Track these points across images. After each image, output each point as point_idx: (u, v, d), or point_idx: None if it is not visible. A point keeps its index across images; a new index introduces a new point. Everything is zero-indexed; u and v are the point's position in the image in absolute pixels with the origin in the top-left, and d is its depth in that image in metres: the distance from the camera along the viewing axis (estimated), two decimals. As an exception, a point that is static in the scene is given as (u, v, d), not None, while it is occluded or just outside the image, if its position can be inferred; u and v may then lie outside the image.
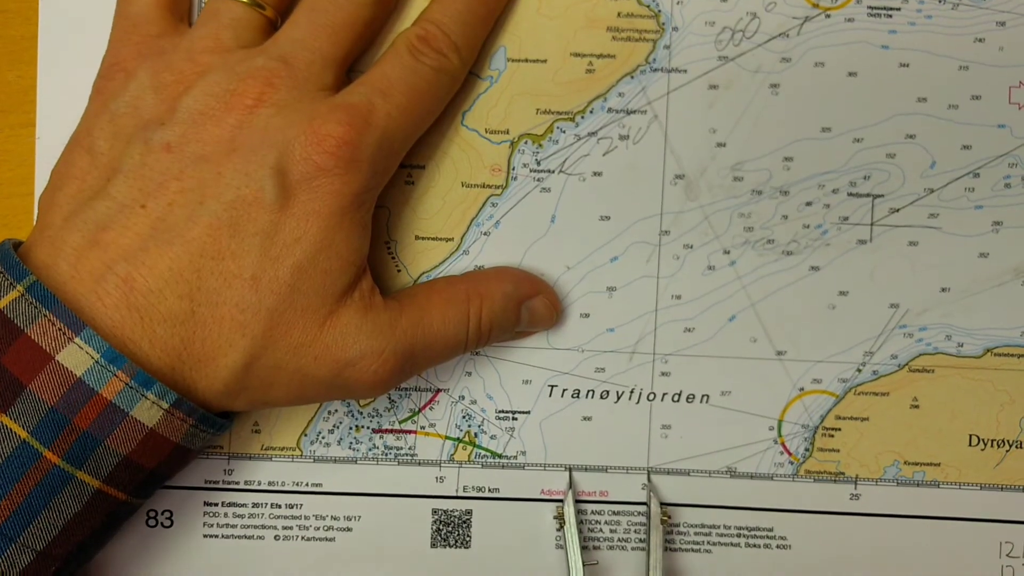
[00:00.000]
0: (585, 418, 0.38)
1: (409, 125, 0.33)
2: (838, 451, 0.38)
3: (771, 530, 0.38)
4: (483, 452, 0.38)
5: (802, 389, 0.38)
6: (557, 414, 0.38)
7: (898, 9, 0.36)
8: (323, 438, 0.38)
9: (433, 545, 0.38)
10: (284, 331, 0.31)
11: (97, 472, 0.29)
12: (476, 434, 0.38)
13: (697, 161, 0.37)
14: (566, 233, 0.37)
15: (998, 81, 0.36)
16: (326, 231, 0.31)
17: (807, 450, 0.38)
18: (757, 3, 0.36)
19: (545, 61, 0.36)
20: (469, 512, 0.38)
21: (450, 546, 0.38)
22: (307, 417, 0.38)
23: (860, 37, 0.36)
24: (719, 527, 0.38)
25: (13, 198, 0.37)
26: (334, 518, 0.38)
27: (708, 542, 0.38)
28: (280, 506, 0.38)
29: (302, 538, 0.38)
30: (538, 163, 0.37)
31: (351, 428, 0.38)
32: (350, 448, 0.38)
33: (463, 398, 0.38)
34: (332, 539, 0.38)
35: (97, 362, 0.28)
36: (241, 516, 0.38)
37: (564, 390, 0.38)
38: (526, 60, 0.36)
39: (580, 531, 0.38)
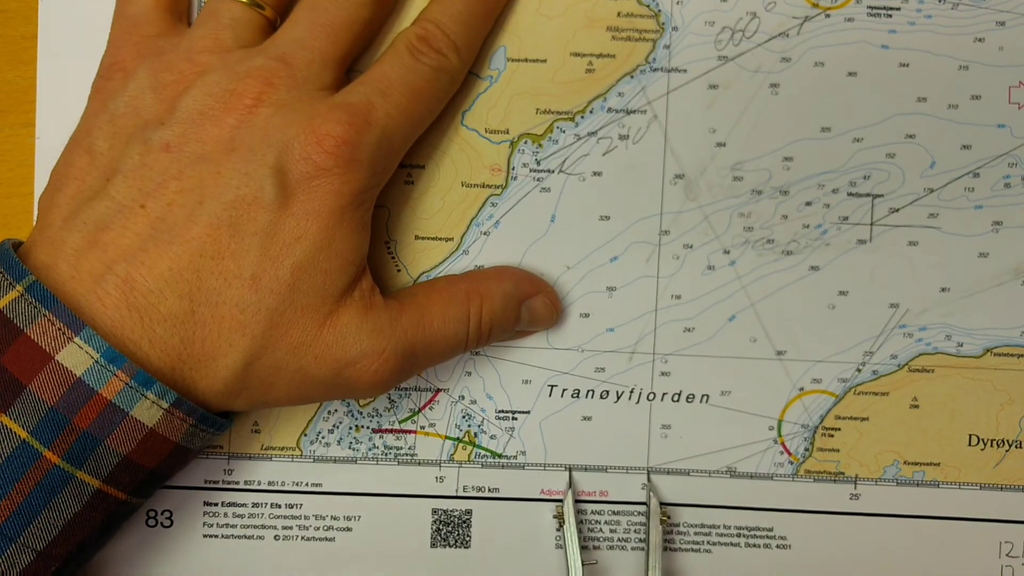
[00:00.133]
0: (585, 418, 0.38)
1: (409, 124, 0.33)
2: (838, 451, 0.38)
3: (771, 530, 0.38)
4: (483, 452, 0.38)
5: (802, 389, 0.38)
6: (557, 414, 0.38)
7: (898, 9, 0.36)
8: (323, 438, 0.38)
9: (433, 545, 0.38)
10: (284, 331, 0.31)
11: (97, 472, 0.29)
12: (476, 434, 0.38)
13: (697, 161, 0.37)
14: (566, 233, 0.37)
15: (998, 81, 0.36)
16: (326, 230, 0.31)
17: (807, 450, 0.38)
18: (757, 3, 0.36)
19: (545, 61, 0.36)
20: (469, 512, 0.38)
21: (450, 546, 0.38)
22: (307, 417, 0.38)
23: (860, 37, 0.36)
24: (719, 527, 0.38)
25: (13, 198, 0.37)
26: (334, 518, 0.38)
27: (708, 542, 0.38)
28: (280, 506, 0.38)
29: (302, 538, 0.38)
30: (538, 163, 0.37)
31: (351, 428, 0.38)
32: (350, 448, 0.38)
33: (463, 398, 0.38)
34: (332, 539, 0.38)
35: (97, 362, 0.28)
36: (241, 516, 0.38)
37: (564, 390, 0.38)
38: (526, 60, 0.36)
39: (580, 531, 0.38)
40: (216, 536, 0.38)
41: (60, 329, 0.28)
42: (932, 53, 0.36)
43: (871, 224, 0.37)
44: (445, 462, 0.38)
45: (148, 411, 0.29)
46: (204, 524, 0.38)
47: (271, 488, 0.38)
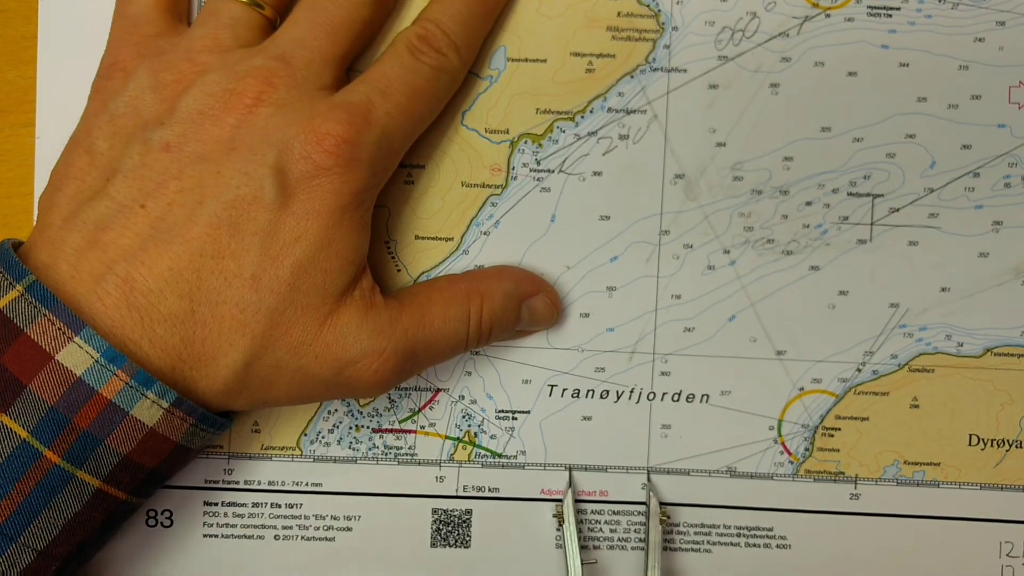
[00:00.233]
0: (585, 418, 0.38)
1: (409, 124, 0.33)
2: (838, 451, 0.38)
3: (771, 530, 0.38)
4: (483, 452, 0.38)
5: (802, 389, 0.38)
6: (557, 414, 0.38)
7: (898, 9, 0.36)
8: (323, 438, 0.38)
9: (433, 545, 0.38)
10: (284, 330, 0.31)
11: (97, 472, 0.29)
12: (476, 434, 0.38)
13: (697, 161, 0.37)
14: (566, 233, 0.37)
15: (998, 81, 0.36)
16: (326, 230, 0.31)
17: (807, 450, 0.38)
18: (757, 3, 0.36)
19: (545, 61, 0.36)
20: (469, 512, 0.38)
21: (450, 546, 0.38)
22: (307, 417, 0.38)
23: (860, 37, 0.36)
24: (719, 527, 0.38)
25: (13, 198, 0.37)
26: (334, 518, 0.38)
27: (708, 542, 0.38)
28: (280, 506, 0.38)
29: (302, 538, 0.38)
30: (538, 163, 0.37)
31: (351, 428, 0.38)
32: (350, 448, 0.38)
33: (463, 398, 0.38)
34: (332, 539, 0.38)
35: (97, 361, 0.28)
36: (241, 516, 0.38)
37: (564, 390, 0.38)
38: (526, 60, 0.36)
39: (580, 530, 0.38)
40: (216, 536, 0.38)
41: (60, 329, 0.28)
42: (932, 53, 0.36)
43: (871, 224, 0.37)
44: (445, 462, 0.38)
45: (148, 411, 0.29)
46: (204, 524, 0.38)
47: (271, 488, 0.38)
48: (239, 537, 0.38)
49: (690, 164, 0.37)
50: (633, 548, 0.38)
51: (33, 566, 0.29)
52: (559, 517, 0.37)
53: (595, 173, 0.37)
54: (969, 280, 0.37)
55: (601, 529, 0.38)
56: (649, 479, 0.38)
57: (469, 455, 0.38)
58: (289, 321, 0.31)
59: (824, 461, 0.38)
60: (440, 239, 0.37)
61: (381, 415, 0.38)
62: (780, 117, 0.37)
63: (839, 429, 0.38)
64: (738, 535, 0.38)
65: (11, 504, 0.28)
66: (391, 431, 0.38)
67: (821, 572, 0.38)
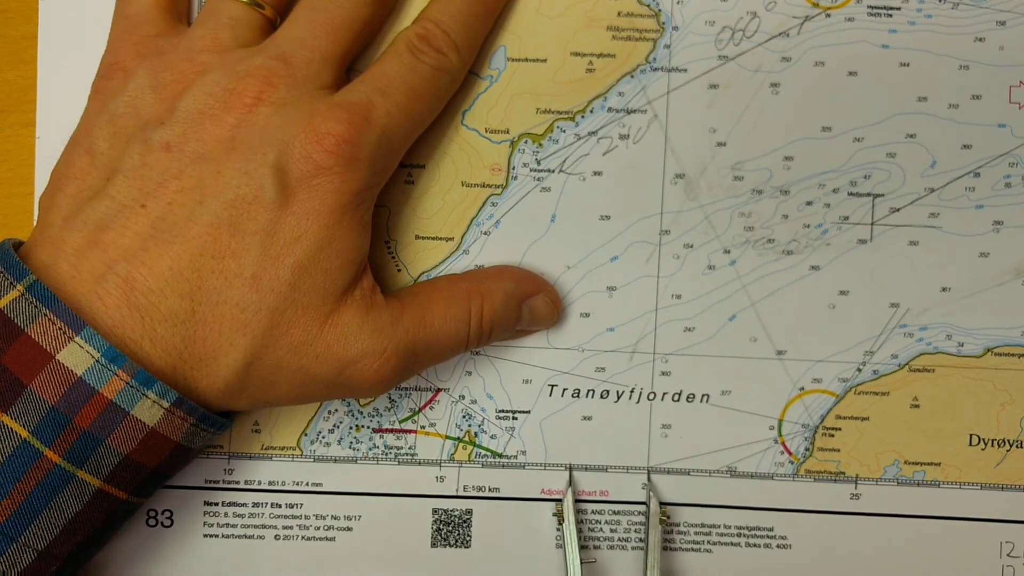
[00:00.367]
0: (585, 418, 0.38)
1: (409, 124, 0.33)
2: (838, 451, 0.38)
3: (771, 530, 0.38)
4: (483, 452, 0.38)
5: (802, 389, 0.38)
6: (557, 414, 0.38)
7: (898, 8, 0.36)
8: (323, 438, 0.38)
9: (433, 545, 0.38)
10: (285, 330, 0.31)
11: (98, 471, 0.29)
12: (476, 433, 0.38)
13: (697, 160, 0.37)
14: (566, 232, 0.37)
15: (998, 80, 0.36)
16: (326, 229, 0.31)
17: (807, 450, 0.38)
18: (757, 2, 0.36)
19: (545, 60, 0.36)
20: (469, 512, 0.38)
21: (450, 546, 0.38)
22: (307, 417, 0.38)
23: (860, 36, 0.36)
24: (719, 527, 0.38)
25: (13, 198, 0.37)
26: (334, 518, 0.38)
27: (708, 542, 0.38)
28: (280, 506, 0.38)
29: (302, 538, 0.38)
30: (538, 162, 0.37)
31: (351, 428, 0.38)
32: (350, 448, 0.38)
33: (463, 398, 0.38)
34: (332, 539, 0.38)
35: (98, 361, 0.28)
36: (241, 516, 0.38)
37: (564, 390, 0.38)
38: (526, 59, 0.36)
39: (580, 530, 0.38)
40: (216, 536, 0.38)
41: (61, 329, 0.28)
42: (933, 53, 0.36)
43: (872, 224, 0.37)
44: (445, 462, 0.38)
45: (149, 411, 0.29)
46: (204, 524, 0.38)
47: (271, 488, 0.38)
48: (239, 537, 0.38)
49: (690, 164, 0.37)
50: (633, 548, 0.38)
51: (34, 566, 0.29)
52: (559, 516, 0.37)
53: (595, 173, 0.37)
54: (970, 280, 0.37)
55: (601, 529, 0.38)
56: (649, 479, 0.38)
57: (469, 455, 0.38)
58: (290, 321, 0.31)
59: (824, 461, 0.38)
60: (440, 239, 0.37)
61: (381, 415, 0.38)
62: (780, 117, 0.37)
63: (839, 429, 0.38)
64: (738, 535, 0.38)
65: (12, 504, 0.28)
66: (391, 431, 0.38)
67: (821, 572, 0.38)
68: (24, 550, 0.29)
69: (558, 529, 0.38)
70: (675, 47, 0.36)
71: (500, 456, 0.38)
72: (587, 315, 0.37)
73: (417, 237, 0.37)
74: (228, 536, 0.38)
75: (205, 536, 0.38)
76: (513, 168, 0.37)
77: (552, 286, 0.37)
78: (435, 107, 0.34)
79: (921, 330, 0.37)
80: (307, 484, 0.38)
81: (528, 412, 0.38)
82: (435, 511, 0.38)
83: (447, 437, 0.38)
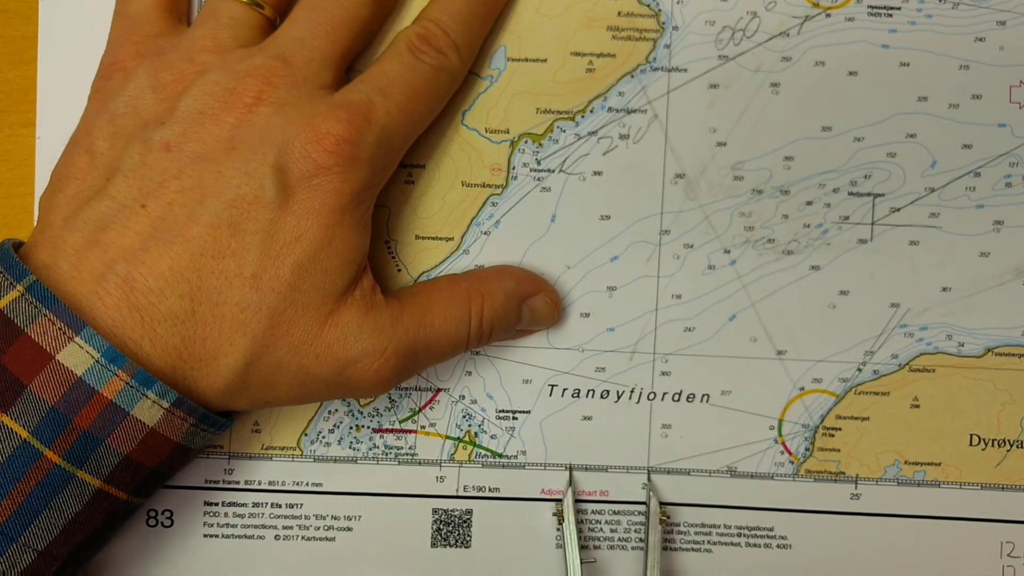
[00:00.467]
0: (585, 418, 0.38)
1: (409, 123, 0.33)
2: (838, 451, 0.38)
3: (771, 530, 0.38)
4: (483, 452, 0.38)
5: (802, 389, 0.38)
6: (557, 414, 0.38)
7: (898, 8, 0.36)
8: (323, 438, 0.38)
9: (433, 545, 0.38)
10: (285, 330, 0.31)
11: (98, 472, 0.29)
12: (476, 433, 0.38)
13: (697, 160, 0.37)
14: (566, 232, 0.37)
15: (999, 80, 0.36)
16: (326, 229, 0.31)
17: (807, 450, 0.38)
18: (757, 2, 0.36)
19: (545, 60, 0.36)
20: (469, 512, 0.38)
21: (450, 546, 0.38)
22: (307, 417, 0.38)
23: (860, 36, 0.36)
24: (719, 527, 0.38)
25: (13, 198, 0.37)
26: (334, 518, 0.38)
27: (708, 542, 0.38)
28: (280, 506, 0.38)
29: (302, 538, 0.38)
30: (538, 162, 0.37)
31: (351, 428, 0.38)
32: (350, 448, 0.38)
33: (463, 398, 0.38)
34: (332, 539, 0.38)
35: (97, 361, 0.28)
36: (241, 516, 0.38)
37: (564, 390, 0.38)
38: (526, 59, 0.36)
39: (580, 530, 0.38)
40: (216, 536, 0.38)
41: (60, 329, 0.28)
42: (933, 52, 0.36)
43: (872, 224, 0.37)
44: (445, 462, 0.38)
45: (149, 411, 0.29)
46: (204, 524, 0.38)
47: (271, 488, 0.38)
48: (239, 537, 0.38)
49: (690, 164, 0.37)
50: (633, 548, 0.38)
51: (34, 566, 0.29)
52: (559, 516, 0.37)
53: (595, 173, 0.37)
54: (970, 280, 0.37)
55: (601, 529, 0.38)
56: (649, 479, 0.38)
57: (469, 455, 0.38)
58: (290, 320, 0.31)
59: (825, 461, 0.38)
60: (440, 239, 0.37)
61: (381, 415, 0.38)
62: (781, 117, 0.37)
63: (840, 429, 0.38)
64: (738, 535, 0.38)
65: (12, 504, 0.28)
66: (391, 431, 0.38)
67: (821, 572, 0.38)
68: (24, 550, 0.29)
69: (558, 529, 0.38)
70: (675, 47, 0.36)
71: (500, 456, 0.38)
72: (587, 315, 0.37)
73: (417, 237, 0.37)
74: (228, 536, 0.38)
75: (205, 536, 0.38)
76: (513, 168, 0.37)
77: (552, 286, 0.37)
78: (435, 107, 0.34)
79: (921, 330, 0.37)
80: (307, 484, 0.38)
81: (528, 412, 0.38)
82: (435, 511, 0.38)
83: (447, 437, 0.38)
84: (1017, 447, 0.38)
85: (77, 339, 0.28)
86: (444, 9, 0.34)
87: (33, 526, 0.29)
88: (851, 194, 0.37)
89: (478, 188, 0.37)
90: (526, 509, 0.38)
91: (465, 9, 0.34)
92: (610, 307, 0.37)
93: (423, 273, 0.37)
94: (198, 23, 0.33)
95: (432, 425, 0.38)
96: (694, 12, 0.36)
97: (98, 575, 0.37)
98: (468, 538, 0.38)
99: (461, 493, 0.38)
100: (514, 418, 0.38)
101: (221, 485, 0.38)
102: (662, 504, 0.38)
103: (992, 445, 0.38)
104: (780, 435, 0.38)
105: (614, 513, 0.38)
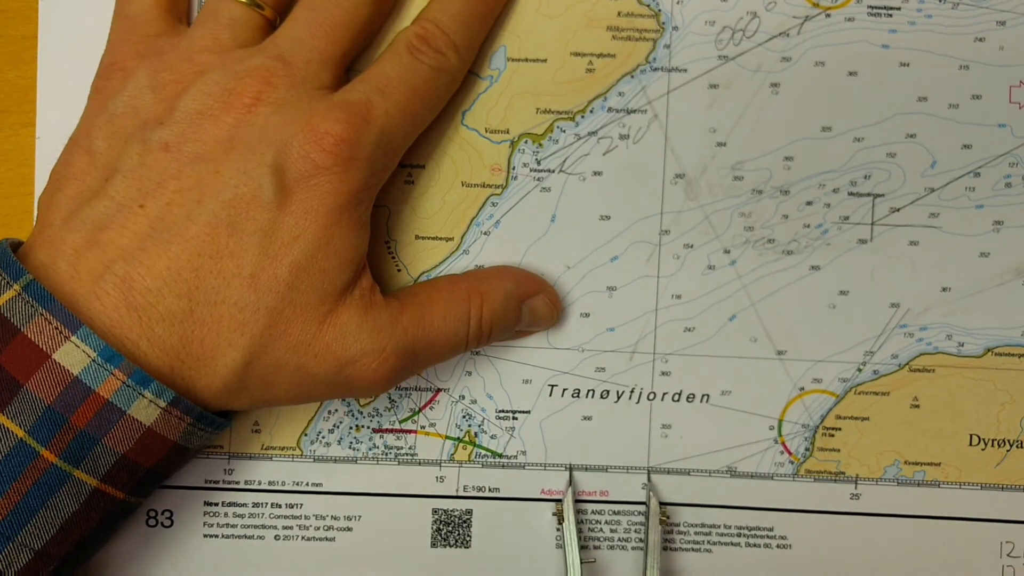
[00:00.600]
0: (585, 418, 0.38)
1: (408, 123, 0.33)
2: (838, 451, 0.38)
3: (771, 530, 0.38)
4: (483, 452, 0.38)
5: (802, 389, 0.38)
6: (557, 414, 0.38)
7: (898, 8, 0.36)
8: (323, 438, 0.38)
9: (433, 545, 0.38)
10: (283, 329, 0.31)
11: (95, 471, 0.29)
12: (476, 434, 0.38)
13: (697, 160, 0.37)
14: (566, 233, 0.37)
15: (998, 80, 0.36)
16: (324, 229, 0.31)
17: (807, 450, 0.38)
18: (757, 2, 0.36)
19: (545, 60, 0.36)
20: (469, 512, 0.38)
21: (450, 546, 0.38)
22: (307, 417, 0.38)
23: (860, 36, 0.36)
24: (719, 527, 0.38)
25: (13, 198, 0.37)
26: (334, 518, 0.38)
27: (708, 542, 0.38)
28: (280, 506, 0.38)
29: (302, 538, 0.38)
30: (538, 162, 0.37)
31: (351, 428, 0.38)
32: (350, 448, 0.38)
33: (463, 398, 0.38)
34: (332, 539, 0.38)
35: (94, 360, 0.28)
36: (241, 516, 0.38)
37: (564, 390, 0.38)
38: (526, 59, 0.36)
39: (580, 530, 0.38)
40: (216, 536, 0.38)
41: (57, 328, 0.28)
42: (933, 53, 0.36)
43: (872, 224, 0.37)
44: (445, 462, 0.38)
45: (146, 410, 0.29)
46: (204, 524, 0.38)
47: (271, 488, 0.38)
48: (239, 537, 0.38)
49: (690, 164, 0.37)
50: (633, 548, 0.38)
51: (30, 566, 0.29)
52: (559, 516, 0.37)
53: (595, 173, 0.37)
54: (970, 280, 0.37)
55: (601, 529, 0.38)
56: (649, 479, 0.38)
57: (469, 455, 0.38)
58: (288, 320, 0.31)
59: (824, 461, 0.38)
60: (440, 239, 0.37)
61: (381, 415, 0.38)
62: (780, 117, 0.37)
63: (839, 429, 0.38)
64: (738, 535, 0.38)
65: (8, 503, 0.28)
66: (391, 431, 0.38)
67: (821, 572, 0.38)
68: (21, 550, 0.29)
69: (558, 529, 0.38)
70: (675, 47, 0.36)
71: (500, 456, 0.38)
72: (587, 315, 0.37)
73: (417, 237, 0.37)
74: (228, 536, 0.38)
75: (205, 536, 0.38)
76: (513, 168, 0.37)
77: (552, 286, 0.37)
78: (434, 107, 0.34)
79: (921, 330, 0.37)
80: (307, 484, 0.38)
81: (528, 412, 0.38)
82: (435, 511, 0.38)
83: (447, 437, 0.38)
84: (1017, 447, 0.38)
85: (73, 338, 0.28)
86: (443, 9, 0.34)
87: (30, 525, 0.29)
88: (851, 194, 0.37)
89: (478, 188, 0.37)
90: (526, 509, 0.38)
91: (464, 9, 0.34)
92: (610, 307, 0.37)
93: (423, 273, 0.37)
94: (198, 23, 0.33)
95: (432, 425, 0.38)
96: (694, 12, 0.36)
97: (98, 575, 0.37)
98: (468, 538, 0.38)
99: (461, 493, 0.38)
100: (514, 418, 0.38)
101: (221, 485, 0.38)
102: (662, 504, 0.38)
103: (992, 445, 0.38)
104: (780, 435, 0.38)
105: (614, 513, 0.38)
